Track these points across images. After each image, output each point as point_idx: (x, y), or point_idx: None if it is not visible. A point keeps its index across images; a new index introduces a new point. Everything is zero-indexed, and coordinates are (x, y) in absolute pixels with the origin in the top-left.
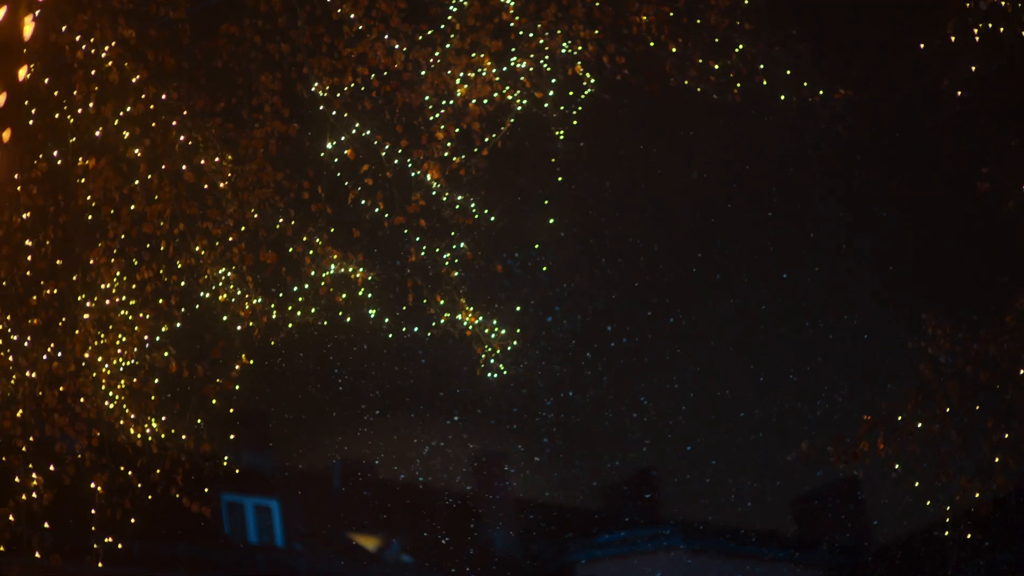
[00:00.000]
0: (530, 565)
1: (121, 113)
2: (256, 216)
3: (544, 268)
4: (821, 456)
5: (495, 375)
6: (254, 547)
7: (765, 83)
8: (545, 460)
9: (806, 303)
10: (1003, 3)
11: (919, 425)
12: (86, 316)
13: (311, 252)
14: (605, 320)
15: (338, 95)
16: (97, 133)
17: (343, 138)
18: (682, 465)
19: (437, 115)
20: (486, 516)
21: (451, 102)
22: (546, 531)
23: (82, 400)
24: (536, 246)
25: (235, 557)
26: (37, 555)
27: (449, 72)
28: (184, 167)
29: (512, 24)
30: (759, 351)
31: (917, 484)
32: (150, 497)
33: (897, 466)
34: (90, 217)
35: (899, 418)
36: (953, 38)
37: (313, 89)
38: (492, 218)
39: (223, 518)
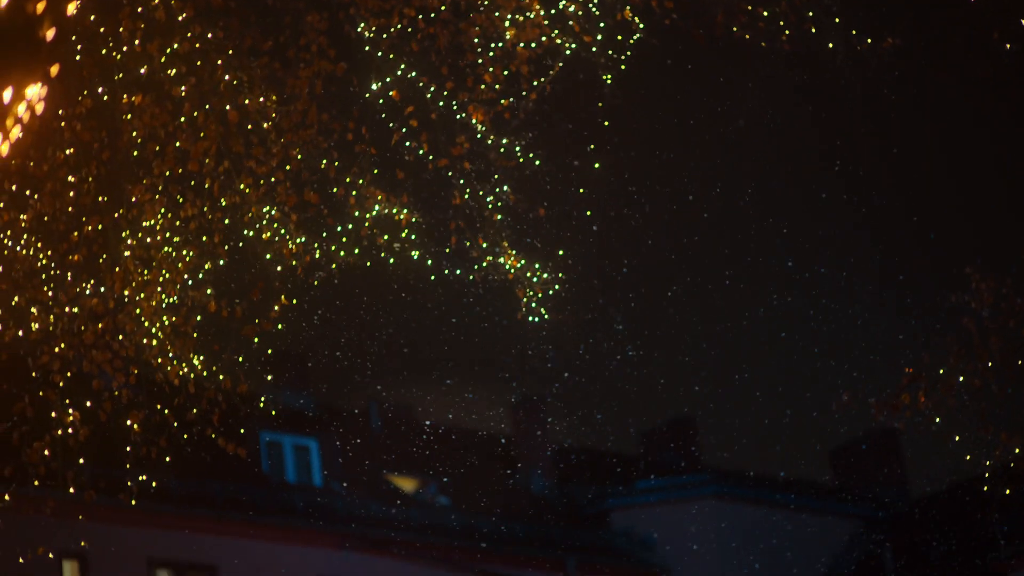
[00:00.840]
0: (566, 510)
1: (167, 51)
2: (300, 156)
3: (588, 213)
4: (862, 408)
5: (536, 319)
6: (292, 486)
7: (814, 31)
8: (584, 405)
9: (850, 253)
10: None
11: (960, 379)
12: (128, 253)
13: (354, 193)
14: (648, 266)
15: (385, 36)
16: (143, 70)
17: (388, 79)
18: (722, 413)
19: (484, 58)
20: (524, 460)
21: (499, 45)
22: (583, 476)
23: (121, 337)
24: (581, 190)
25: (272, 496)
26: (72, 490)
27: (497, 14)
28: (228, 107)
29: None
30: (802, 300)
31: (957, 438)
32: (186, 436)
33: (937, 419)
34: (135, 154)
35: (940, 371)
36: None
37: (360, 29)
38: (537, 162)
39: (261, 457)
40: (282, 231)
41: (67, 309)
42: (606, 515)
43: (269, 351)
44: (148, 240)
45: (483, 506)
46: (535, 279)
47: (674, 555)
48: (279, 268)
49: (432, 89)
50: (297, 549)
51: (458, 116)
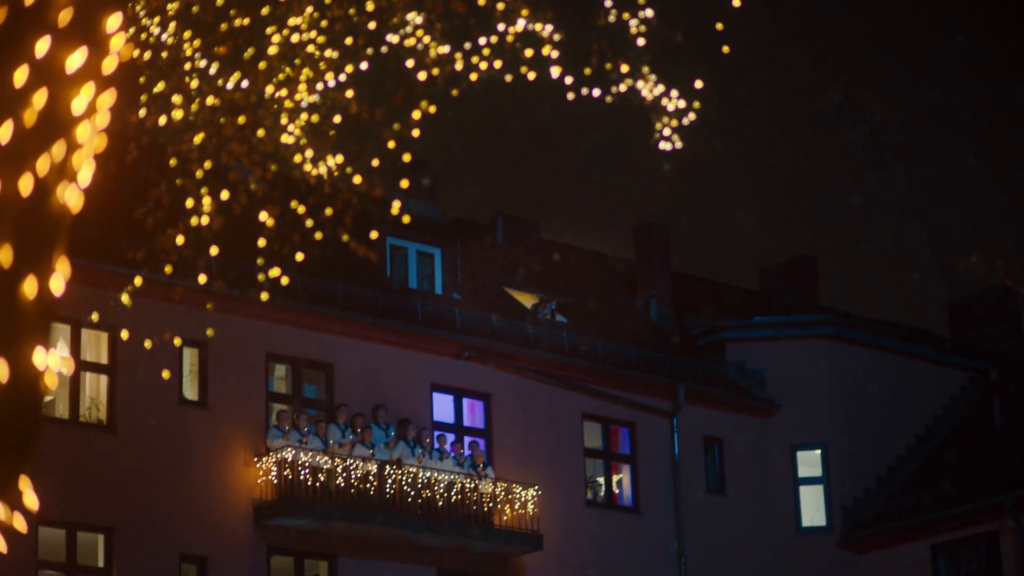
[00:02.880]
0: (681, 338)
1: None
2: None
3: (725, 48)
4: (990, 270)
5: (670, 147)
6: (413, 292)
7: None
8: (709, 235)
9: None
10: None
11: None
12: (273, 49)
13: (501, 5)
14: (781, 101)
15: None
16: None
17: None
18: (846, 256)
19: None
20: (643, 286)
21: None
22: (701, 307)
23: (260, 133)
24: (719, 26)
25: (393, 300)
26: (202, 279)
27: None
28: None
29: None
30: (938, 155)
31: None
32: (319, 235)
33: None
34: None
35: None
36: None
37: None
38: None
39: (386, 261)
40: (426, 39)
41: (209, 100)
42: (720, 347)
43: (405, 156)
44: (293, 38)
45: (599, 328)
46: (671, 107)
47: (784, 392)
48: (420, 76)
49: None
50: (413, 355)
51: None
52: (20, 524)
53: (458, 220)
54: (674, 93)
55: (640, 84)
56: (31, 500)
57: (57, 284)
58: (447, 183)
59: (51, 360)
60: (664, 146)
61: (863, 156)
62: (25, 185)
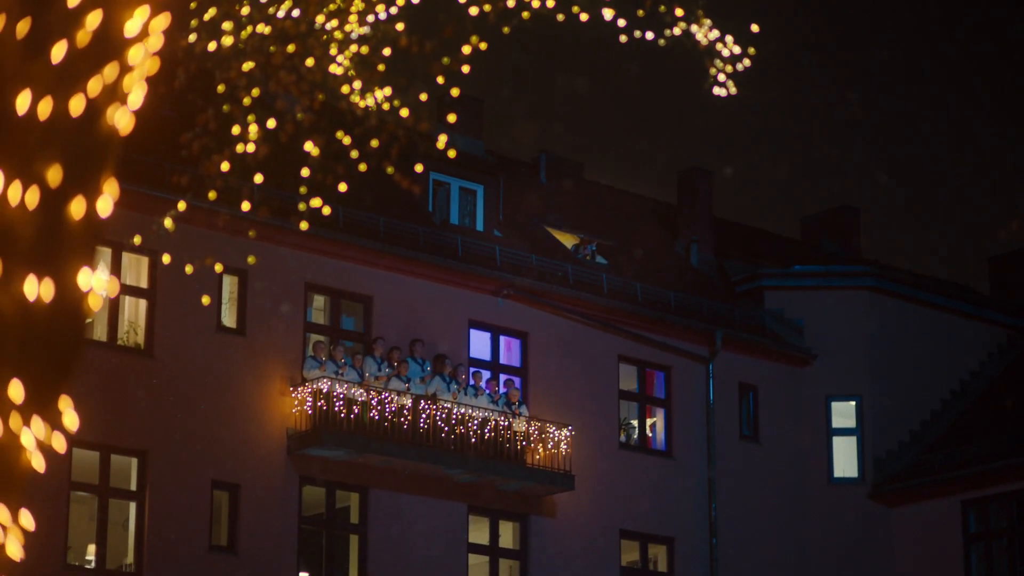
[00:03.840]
0: (721, 284)
1: None
2: None
3: None
4: None
5: (723, 93)
6: (454, 227)
7: None
8: (750, 183)
9: None
10: None
11: None
12: None
13: None
14: (842, 46)
15: None
16: None
17: None
18: (888, 209)
19: None
20: (684, 230)
21: None
22: (742, 253)
23: (310, 62)
24: None
25: (434, 236)
26: (245, 207)
27: None
28: None
29: None
30: (999, 115)
31: None
32: (363, 167)
33: None
34: None
35: None
36: None
37: None
38: None
39: (429, 196)
40: None
41: (259, 28)
42: (759, 294)
43: (453, 92)
44: None
45: (639, 270)
46: (726, 52)
47: (821, 342)
48: (472, 11)
49: None
50: (451, 290)
51: None
52: (59, 444)
53: (502, 158)
54: (729, 38)
55: (694, 28)
56: (71, 420)
57: (104, 205)
58: (493, 121)
59: (95, 282)
60: (718, 92)
61: (913, 108)
62: (76, 106)
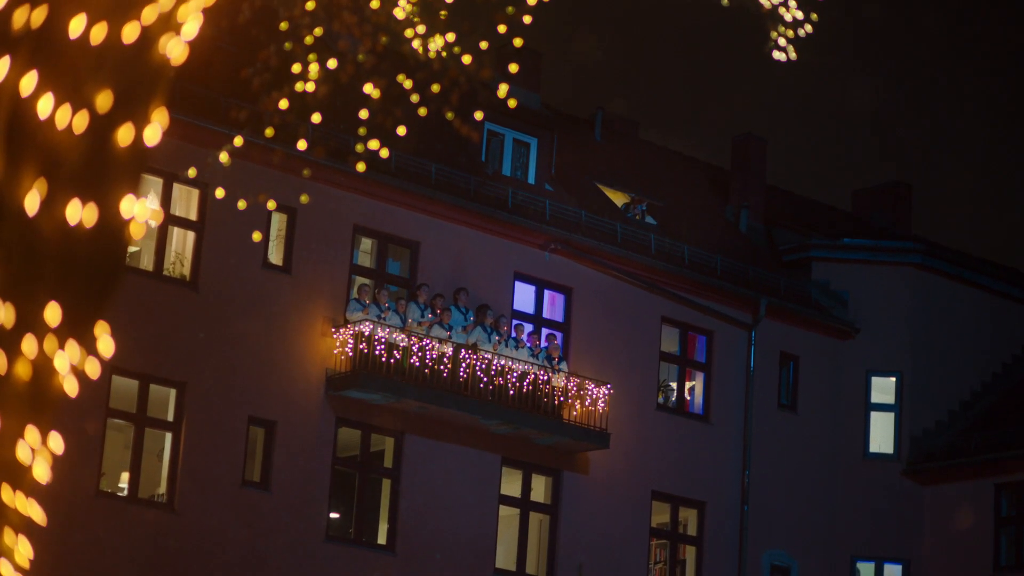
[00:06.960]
0: (768, 252)
1: None
2: None
3: None
4: None
5: (784, 58)
6: (506, 179)
7: None
8: (806, 152)
9: None
10: None
11: None
12: None
13: None
14: (898, 20)
15: None
16: None
17: None
18: (939, 188)
19: None
20: (735, 196)
21: None
22: (791, 222)
23: (374, 4)
24: None
25: (486, 186)
26: (302, 145)
27: None
28: None
29: None
30: None
31: None
32: (423, 111)
33: None
34: None
35: None
36: None
37: None
38: None
39: (482, 146)
40: None
41: None
42: (807, 264)
43: (516, 42)
44: None
45: (687, 233)
46: (789, 16)
47: (865, 316)
48: None
49: None
50: (499, 241)
51: None
52: (93, 369)
53: (558, 112)
54: (792, 2)
55: None
56: (105, 346)
57: (152, 134)
58: (552, 75)
59: (139, 209)
60: (778, 56)
61: (974, 89)
62: (130, 32)
